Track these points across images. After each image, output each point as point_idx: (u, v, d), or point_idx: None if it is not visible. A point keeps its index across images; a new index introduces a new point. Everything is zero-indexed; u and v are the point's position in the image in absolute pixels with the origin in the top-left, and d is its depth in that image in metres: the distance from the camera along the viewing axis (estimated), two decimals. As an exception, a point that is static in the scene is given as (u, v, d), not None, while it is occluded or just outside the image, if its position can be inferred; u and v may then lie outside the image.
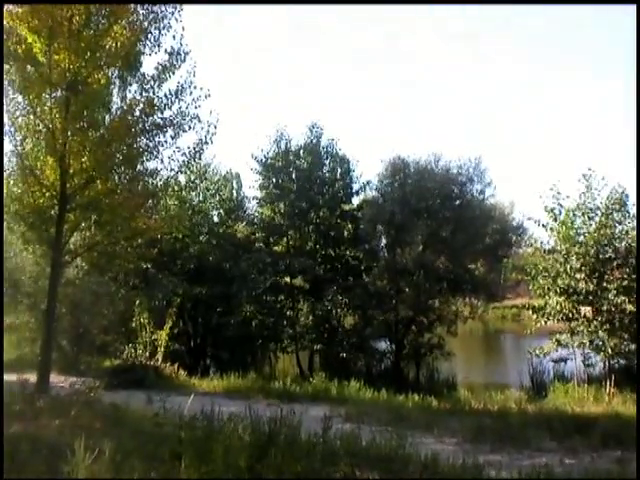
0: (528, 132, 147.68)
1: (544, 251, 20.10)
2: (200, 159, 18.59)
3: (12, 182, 16.20)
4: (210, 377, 22.25)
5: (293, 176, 29.10)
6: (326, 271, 28.57)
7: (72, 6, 14.83)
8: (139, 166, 16.85)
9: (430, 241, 27.54)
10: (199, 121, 16.57)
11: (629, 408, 15.31)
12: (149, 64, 16.70)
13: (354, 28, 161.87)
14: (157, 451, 7.80)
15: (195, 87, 16.53)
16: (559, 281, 19.03)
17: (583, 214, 19.36)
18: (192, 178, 24.24)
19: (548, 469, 8.63)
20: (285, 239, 29.49)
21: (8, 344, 25.39)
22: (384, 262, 29.07)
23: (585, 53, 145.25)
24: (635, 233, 18.36)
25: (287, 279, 29.07)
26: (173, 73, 16.45)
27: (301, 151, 29.51)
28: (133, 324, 23.27)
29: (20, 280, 24.53)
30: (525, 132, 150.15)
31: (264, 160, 29.21)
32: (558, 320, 19.36)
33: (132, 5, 15.92)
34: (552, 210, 19.65)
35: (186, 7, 16.68)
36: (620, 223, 19.04)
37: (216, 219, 30.59)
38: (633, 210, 19.15)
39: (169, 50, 16.46)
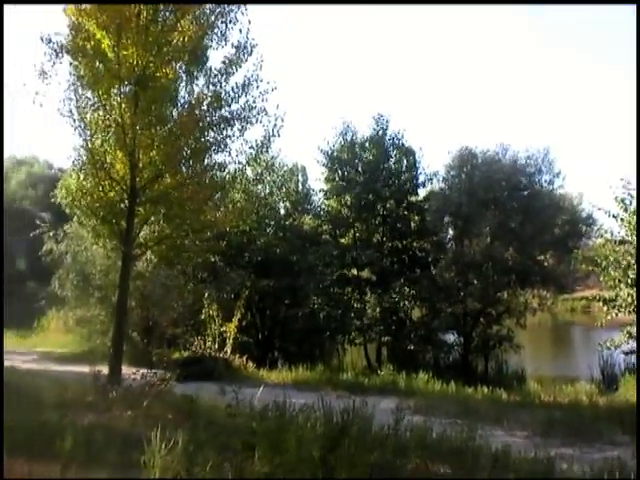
0: (597, 121, 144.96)
1: (615, 242, 19.69)
2: (267, 152, 18.69)
3: (82, 176, 16.44)
4: (278, 369, 22.36)
5: (359, 168, 29.03)
6: (393, 263, 28.47)
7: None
8: (207, 159, 16.96)
9: (498, 232, 27.16)
10: (266, 114, 16.58)
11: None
12: (215, 58, 16.82)
13: (418, 18, 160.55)
14: (230, 442, 7.86)
15: (262, 80, 16.52)
16: (630, 273, 18.62)
17: (655, 204, 18.91)
18: (259, 171, 24.36)
19: (620, 463, 8.44)
20: (352, 231, 29.43)
21: (80, 337, 25.94)
22: (451, 254, 28.82)
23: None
24: None
25: (354, 271, 29.03)
26: (240, 67, 16.48)
27: (367, 143, 29.41)
28: (202, 316, 23.52)
29: (91, 273, 24.96)
30: (594, 121, 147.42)
31: (330, 152, 29.21)
32: (629, 312, 18.96)
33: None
34: (622, 200, 19.19)
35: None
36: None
37: (282, 212, 30.67)
38: None
39: (236, 44, 16.49)
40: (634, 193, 19.12)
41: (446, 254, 29.00)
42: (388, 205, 28.94)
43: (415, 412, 12.97)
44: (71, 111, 15.75)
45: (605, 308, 19.65)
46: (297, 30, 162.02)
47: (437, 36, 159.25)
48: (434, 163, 70.85)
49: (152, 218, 17.34)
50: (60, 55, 15.54)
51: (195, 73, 16.84)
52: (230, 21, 16.50)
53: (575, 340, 49.20)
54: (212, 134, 16.32)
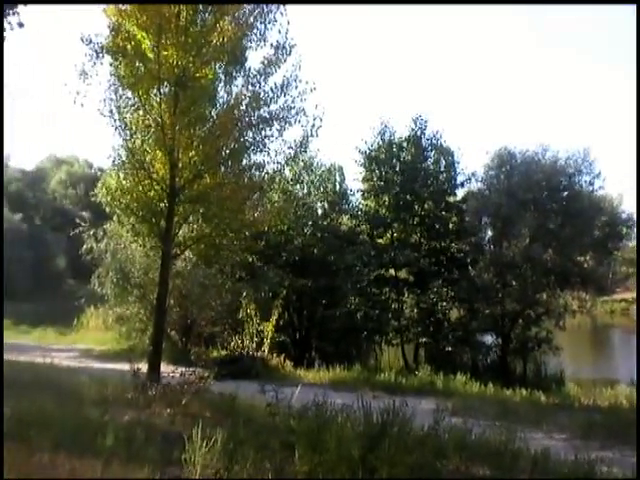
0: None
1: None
2: (305, 152, 18.70)
3: (122, 176, 16.60)
4: (315, 369, 22.38)
5: (397, 168, 28.99)
6: (431, 264, 28.39)
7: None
8: (246, 160, 17.03)
9: (537, 233, 26.91)
10: (305, 114, 16.62)
11: None
12: (254, 58, 16.87)
13: (455, 19, 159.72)
14: (269, 441, 7.88)
15: (300, 80, 16.57)
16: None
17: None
18: (297, 171, 24.42)
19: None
20: (389, 232, 29.40)
21: (119, 334, 26.18)
22: (490, 255, 28.63)
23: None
24: None
25: (392, 272, 28.99)
26: (279, 67, 16.53)
27: (405, 143, 29.37)
28: (240, 315, 23.61)
29: (130, 272, 25.14)
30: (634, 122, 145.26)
31: (368, 152, 29.21)
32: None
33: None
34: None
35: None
36: None
37: (320, 212, 30.69)
38: None
39: (274, 44, 16.55)
40: None
41: (484, 255, 28.82)
42: (426, 205, 28.91)
43: (453, 414, 12.90)
44: (111, 111, 15.90)
45: (644, 310, 19.44)
46: (335, 30, 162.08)
47: (473, 36, 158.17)
48: (472, 163, 70.31)
49: (191, 217, 17.48)
50: (101, 56, 15.69)
51: (234, 73, 16.92)
52: (269, 21, 16.55)
53: (614, 342, 48.68)
54: (251, 134, 16.38)
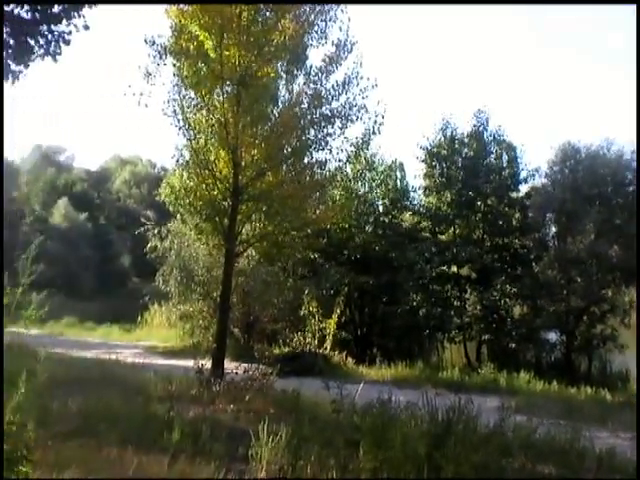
0: None
1: None
2: (367, 149, 18.66)
3: (186, 175, 16.78)
4: (377, 366, 22.33)
5: (459, 164, 28.76)
6: (494, 260, 28.05)
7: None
8: (308, 158, 17.07)
9: (603, 229, 26.39)
10: (366, 111, 16.58)
11: None
12: (315, 56, 16.92)
13: (515, 11, 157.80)
14: (334, 438, 7.89)
15: (362, 78, 16.54)
16: None
17: None
18: (359, 169, 24.39)
19: None
20: (452, 228, 29.18)
21: (182, 331, 26.49)
22: (554, 251, 28.19)
23: None
24: None
25: (454, 268, 28.77)
26: (340, 64, 16.53)
27: (467, 139, 29.12)
28: (301, 313, 23.70)
29: (193, 270, 25.42)
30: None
31: (430, 148, 29.02)
32: None
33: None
34: None
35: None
36: None
37: (381, 209, 30.60)
38: None
39: (336, 42, 16.56)
40: None
41: (548, 251, 28.38)
42: (489, 201, 28.59)
43: (517, 412, 12.75)
44: (175, 111, 16.08)
45: None
46: (396, 26, 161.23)
47: (536, 29, 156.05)
48: (535, 159, 69.45)
49: (254, 216, 17.57)
50: (164, 56, 15.88)
51: (295, 72, 16.98)
52: (330, 19, 16.56)
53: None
54: (313, 132, 16.39)
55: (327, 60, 16.46)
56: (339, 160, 17.06)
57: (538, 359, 27.31)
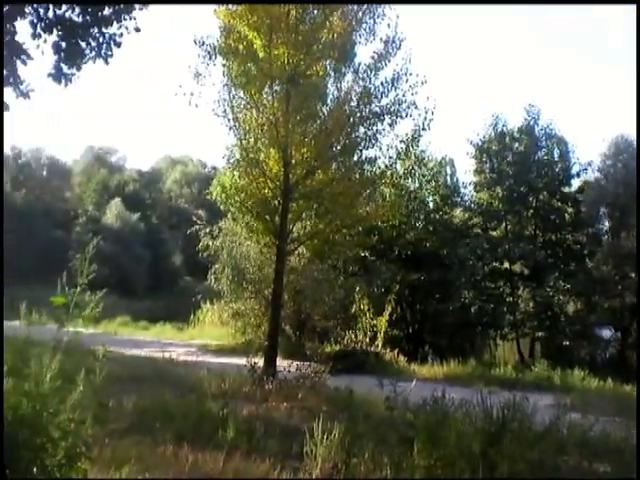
0: None
1: None
2: (417, 146, 18.57)
3: (237, 174, 16.87)
4: (429, 363, 22.22)
5: (510, 159, 28.50)
6: (547, 256, 27.75)
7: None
8: (357, 155, 17.04)
9: (658, 223, 25.99)
10: (416, 108, 16.50)
11: None
12: (363, 53, 16.90)
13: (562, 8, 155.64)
14: (388, 435, 7.88)
15: (411, 74, 16.46)
16: None
17: None
18: (409, 165, 24.28)
19: None
20: (503, 224, 28.93)
21: (234, 330, 26.60)
22: (608, 246, 27.83)
23: None
24: None
25: (506, 265, 28.52)
26: (389, 61, 16.46)
27: (518, 133, 28.86)
28: (352, 310, 23.68)
29: (245, 268, 25.52)
30: None
31: (480, 144, 28.81)
32: None
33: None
34: None
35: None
36: None
37: (432, 205, 30.45)
38: None
39: (384, 39, 16.51)
40: None
41: (602, 246, 28.05)
42: (541, 197, 28.32)
43: (571, 409, 12.60)
44: (225, 111, 16.19)
45: None
46: (444, 22, 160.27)
47: (588, 22, 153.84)
48: (588, 153, 68.49)
49: (305, 214, 17.60)
50: (213, 57, 15.99)
51: (343, 69, 16.95)
52: (378, 16, 16.53)
53: None
54: (362, 129, 16.37)
55: (376, 57, 16.41)
56: (389, 157, 17.03)
57: (592, 356, 27.00)
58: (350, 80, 16.85)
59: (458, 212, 30.94)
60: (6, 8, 10.30)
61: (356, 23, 16.33)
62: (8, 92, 10.61)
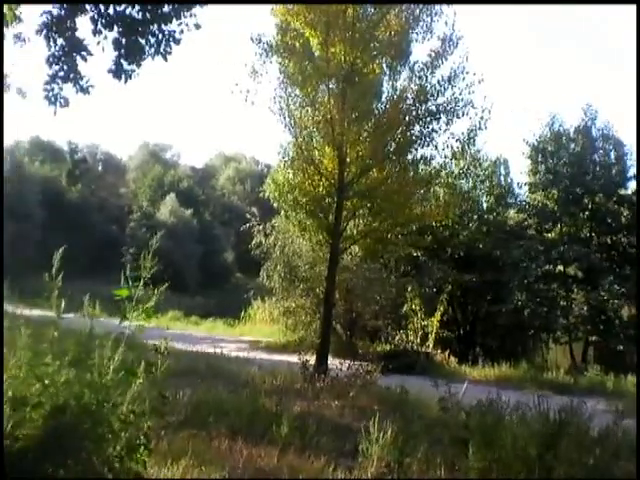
0: None
1: None
2: (474, 145, 18.47)
3: (292, 172, 16.94)
4: (480, 365, 22.07)
5: (566, 160, 28.11)
6: (602, 259, 27.30)
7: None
8: (412, 153, 17.01)
9: None
10: (473, 107, 16.42)
11: None
12: (418, 52, 16.87)
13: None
14: (441, 436, 7.85)
15: (468, 72, 16.40)
16: None
17: None
18: (463, 165, 24.13)
19: None
20: (558, 226, 28.54)
21: (285, 327, 26.71)
22: (665, 250, 27.29)
23: None
24: None
25: (560, 267, 28.15)
26: (446, 59, 16.45)
27: (574, 134, 28.47)
28: (403, 310, 23.61)
29: (297, 266, 25.61)
30: None
31: (536, 144, 28.49)
32: None
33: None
34: None
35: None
36: None
37: (485, 206, 30.21)
38: None
39: (441, 37, 16.46)
40: None
41: (659, 250, 27.51)
42: (597, 199, 27.85)
43: (625, 415, 12.41)
44: (281, 108, 16.27)
45: None
46: (501, 21, 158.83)
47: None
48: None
49: (358, 212, 17.59)
50: (270, 54, 16.08)
51: (398, 67, 16.91)
52: (435, 14, 16.50)
53: None
54: (418, 128, 16.36)
55: (433, 55, 16.41)
56: (444, 156, 16.98)
57: (648, 362, 26.48)
58: (406, 78, 16.84)
59: (512, 213, 30.63)
60: (66, 5, 10.46)
61: (413, 21, 16.34)
62: (68, 88, 10.76)
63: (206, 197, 76.56)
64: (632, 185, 28.76)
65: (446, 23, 16.40)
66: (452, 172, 18.97)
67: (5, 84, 23.59)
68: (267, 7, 16.52)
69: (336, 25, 15.32)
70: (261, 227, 27.40)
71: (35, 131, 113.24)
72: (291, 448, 7.46)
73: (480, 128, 16.69)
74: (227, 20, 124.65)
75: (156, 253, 5.36)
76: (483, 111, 16.54)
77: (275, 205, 18.69)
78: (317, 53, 16.06)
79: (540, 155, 28.58)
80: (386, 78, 17.21)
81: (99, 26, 10.45)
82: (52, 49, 10.40)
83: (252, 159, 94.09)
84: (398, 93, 16.72)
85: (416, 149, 16.81)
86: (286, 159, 17.17)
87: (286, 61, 16.10)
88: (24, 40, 18.67)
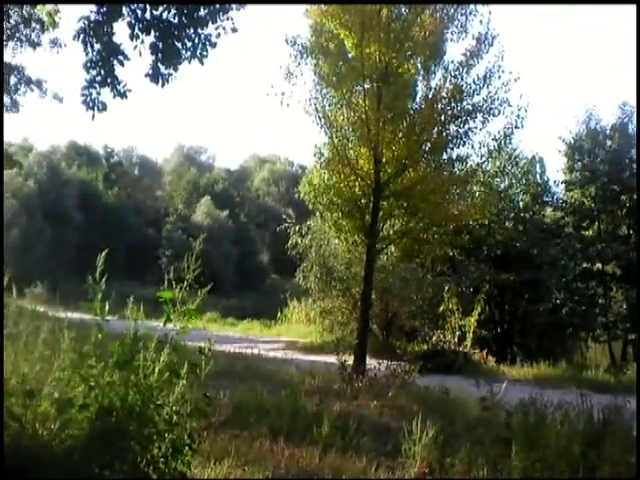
0: None
1: None
2: (510, 144, 18.39)
3: (327, 173, 16.97)
4: (518, 365, 21.94)
5: (603, 157, 27.83)
6: (641, 257, 27.03)
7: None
8: (448, 153, 16.98)
9: None
10: (509, 105, 16.34)
11: None
12: (453, 51, 16.84)
13: None
14: (484, 435, 7.81)
15: (503, 71, 16.32)
16: None
17: None
18: (499, 164, 24.00)
19: None
20: (596, 224, 28.26)
21: (321, 327, 26.75)
22: None
23: None
24: None
25: (599, 265, 27.88)
26: (481, 58, 16.38)
27: (610, 131, 28.17)
28: (440, 310, 23.54)
29: (333, 266, 25.64)
30: None
31: (572, 142, 28.24)
32: None
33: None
34: None
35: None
36: None
37: (521, 204, 30.00)
38: None
39: (476, 35, 16.40)
40: None
41: (699, 247, 27.12)
42: (635, 196, 27.53)
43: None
44: (316, 110, 16.29)
45: None
46: (536, 16, 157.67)
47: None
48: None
49: (395, 212, 17.56)
50: (304, 56, 16.13)
51: (432, 67, 16.87)
52: (470, 13, 16.44)
53: None
54: (453, 127, 16.30)
55: (468, 54, 16.35)
56: (481, 155, 16.92)
57: (689, 361, 26.13)
58: (441, 77, 16.80)
59: (549, 211, 30.38)
60: (103, 9, 10.57)
61: (447, 20, 16.30)
62: (105, 92, 10.86)
63: (241, 199, 76.90)
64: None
65: (481, 22, 16.36)
66: (488, 171, 18.91)
67: (42, 89, 24.02)
68: (301, 9, 16.60)
69: (371, 26, 15.32)
70: (297, 228, 27.47)
71: (71, 135, 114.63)
72: (332, 448, 7.47)
73: (516, 126, 16.63)
74: (262, 22, 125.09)
75: (187, 255, 5.41)
76: (519, 109, 16.49)
77: (310, 206, 18.71)
78: (352, 54, 16.08)
79: (576, 153, 28.33)
80: (420, 78, 17.19)
81: (136, 30, 10.53)
82: (90, 54, 10.49)
83: (286, 160, 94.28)
84: (433, 92, 16.68)
85: (452, 148, 16.76)
86: (321, 160, 17.20)
87: (321, 62, 16.13)
88: (60, 45, 19.03)
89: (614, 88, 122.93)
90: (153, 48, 10.84)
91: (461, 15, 16.40)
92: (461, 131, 16.28)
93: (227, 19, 10.91)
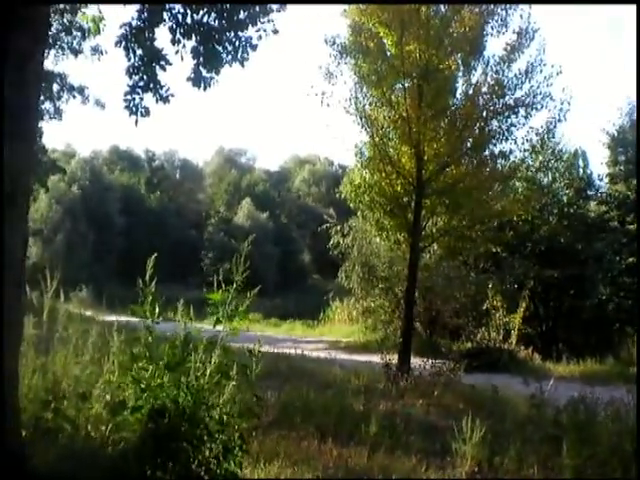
0: None
1: None
2: (553, 138, 18.20)
3: (369, 172, 16.93)
4: (564, 361, 21.71)
5: (646, 148, 27.45)
6: (690, 251, 26.61)
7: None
8: (490, 149, 16.84)
9: None
10: (551, 99, 16.15)
11: None
12: (493, 45, 16.72)
13: None
14: (533, 433, 7.75)
15: (545, 64, 16.14)
16: None
17: None
18: (542, 158, 23.71)
19: None
20: (642, 217, 27.88)
21: (364, 327, 26.73)
22: None
23: None
24: None
25: (645, 259, 27.50)
26: (522, 52, 16.21)
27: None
28: (484, 307, 23.39)
29: (375, 265, 25.61)
30: None
31: (615, 134, 27.88)
32: None
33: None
34: None
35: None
36: None
37: (565, 199, 29.66)
38: None
39: (517, 30, 16.24)
40: None
41: None
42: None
43: None
44: (357, 109, 16.27)
45: None
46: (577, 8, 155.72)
47: None
48: None
49: (437, 210, 17.48)
50: (344, 55, 16.12)
51: (472, 62, 16.75)
52: (510, 7, 16.26)
53: None
54: (495, 123, 16.17)
55: (509, 49, 16.17)
56: (524, 150, 16.75)
57: None
58: (481, 73, 16.64)
59: (593, 205, 29.96)
60: (144, 15, 10.64)
61: (487, 15, 16.15)
62: (147, 97, 10.94)
63: (281, 200, 77.11)
64: None
65: (521, 16, 16.17)
66: (531, 166, 18.73)
67: (84, 96, 24.34)
68: (338, 9, 16.59)
69: (410, 23, 15.24)
70: (338, 228, 27.48)
71: (113, 140, 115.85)
72: (380, 447, 7.46)
73: (559, 120, 16.38)
74: (301, 23, 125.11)
75: (235, 257, 5.43)
76: (562, 103, 16.25)
77: (352, 205, 18.68)
78: (391, 52, 16.01)
79: (620, 145, 27.96)
80: (461, 74, 17.07)
81: (177, 35, 10.59)
82: (132, 60, 10.57)
83: (326, 160, 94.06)
84: (474, 88, 16.54)
85: (494, 144, 16.59)
86: (362, 159, 17.15)
87: (360, 61, 16.10)
88: (101, 52, 19.23)
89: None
90: (194, 52, 10.89)
91: (501, 9, 16.23)
92: (503, 127, 16.11)
93: (267, 21, 10.93)
